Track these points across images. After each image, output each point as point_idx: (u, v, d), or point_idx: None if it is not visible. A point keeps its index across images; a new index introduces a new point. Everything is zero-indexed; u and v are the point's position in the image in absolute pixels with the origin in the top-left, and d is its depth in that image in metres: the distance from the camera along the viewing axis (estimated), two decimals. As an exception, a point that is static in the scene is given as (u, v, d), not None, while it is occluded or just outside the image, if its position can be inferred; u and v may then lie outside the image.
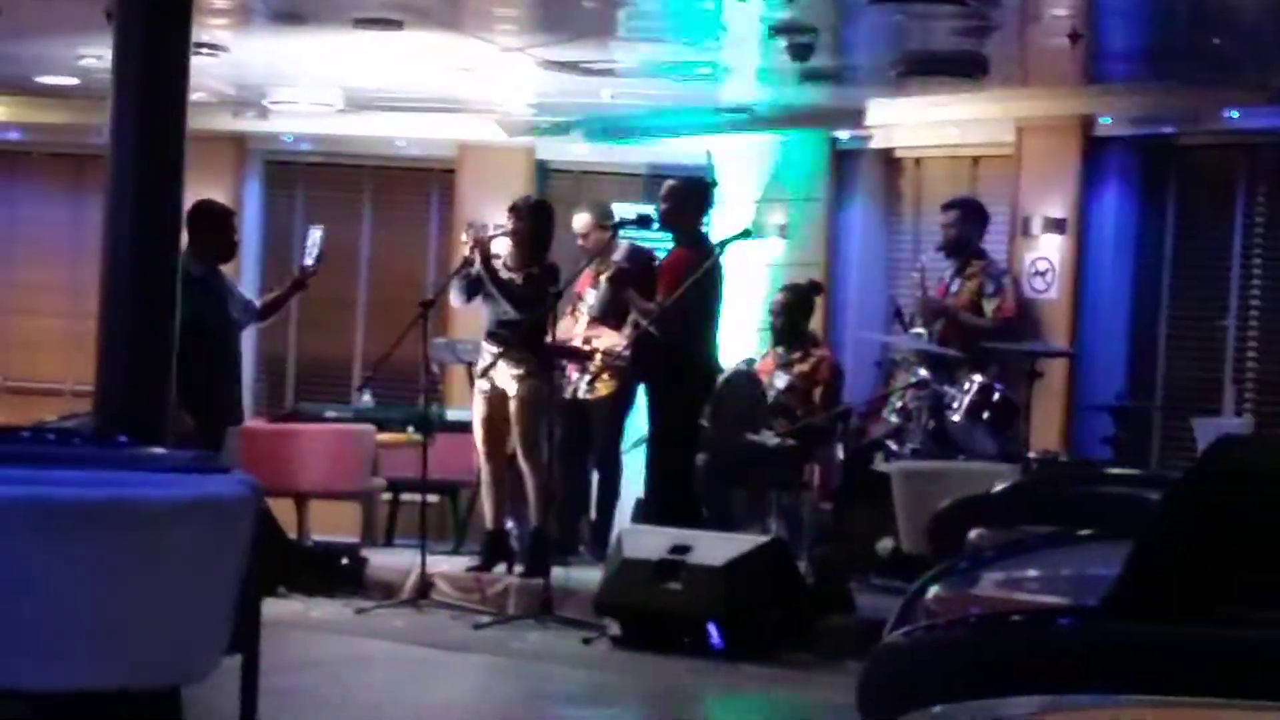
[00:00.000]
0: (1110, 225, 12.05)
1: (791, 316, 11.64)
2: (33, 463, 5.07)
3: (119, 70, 6.99)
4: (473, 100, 13.13)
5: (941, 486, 8.73)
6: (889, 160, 13.12)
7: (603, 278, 11.32)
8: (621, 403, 11.43)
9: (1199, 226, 11.93)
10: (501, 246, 10.70)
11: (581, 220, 11.77)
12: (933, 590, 5.11)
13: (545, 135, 13.95)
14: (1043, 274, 12.00)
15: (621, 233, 11.10)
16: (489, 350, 10.62)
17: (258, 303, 10.66)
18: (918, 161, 13.02)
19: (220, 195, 11.71)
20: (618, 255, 11.22)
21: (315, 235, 10.61)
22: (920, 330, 11.60)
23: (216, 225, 10.27)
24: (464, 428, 11.81)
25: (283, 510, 10.85)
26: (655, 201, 11.22)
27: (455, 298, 10.87)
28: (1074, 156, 11.96)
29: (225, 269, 10.50)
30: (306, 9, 10.34)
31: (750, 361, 11.72)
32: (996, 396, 10.94)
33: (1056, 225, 11.98)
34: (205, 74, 11.17)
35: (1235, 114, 11.37)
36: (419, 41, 10.68)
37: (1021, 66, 11.53)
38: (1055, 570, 5.43)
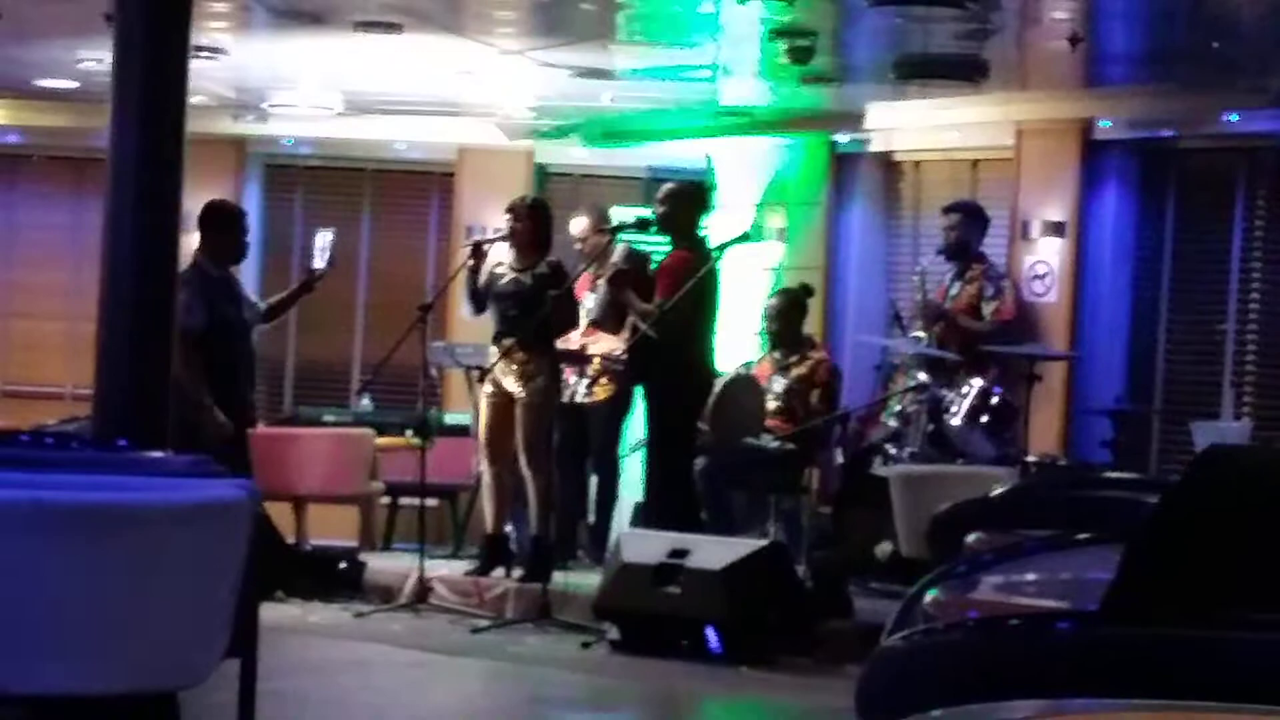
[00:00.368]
0: (1109, 228, 12.05)
1: (786, 320, 11.66)
2: (32, 467, 5.07)
3: (119, 73, 6.99)
4: (472, 103, 13.14)
5: (940, 490, 8.73)
6: (888, 163, 13.12)
7: (601, 280, 11.32)
8: (619, 406, 11.42)
9: (1198, 229, 11.92)
10: (501, 252, 10.70)
11: (579, 224, 11.77)
12: (931, 594, 5.11)
13: (545, 139, 13.96)
14: (1042, 277, 12.00)
15: (620, 236, 11.10)
16: (495, 353, 10.60)
17: (264, 305, 10.65)
18: (917, 165, 13.02)
19: (220, 198, 11.68)
20: (614, 257, 11.23)
21: (326, 238, 10.60)
22: (919, 334, 11.61)
23: (229, 225, 10.29)
24: (463, 431, 11.82)
25: (281, 514, 10.85)
26: (653, 204, 11.22)
27: (466, 311, 10.86)
28: (1073, 160, 11.97)
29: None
30: (306, 11, 10.34)
31: (749, 365, 11.73)
32: (995, 400, 10.94)
33: (1056, 228, 11.98)
34: (205, 77, 11.17)
35: (1235, 117, 11.37)
36: (418, 44, 10.68)
37: (1021, 70, 11.54)
38: (1054, 574, 5.43)
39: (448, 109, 13.40)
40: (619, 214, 11.67)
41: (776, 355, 11.64)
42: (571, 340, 11.31)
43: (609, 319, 11.46)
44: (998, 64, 10.81)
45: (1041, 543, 5.70)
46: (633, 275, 10.98)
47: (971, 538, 7.04)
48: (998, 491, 7.97)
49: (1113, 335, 12.03)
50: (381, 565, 11.22)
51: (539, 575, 10.18)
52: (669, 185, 11.17)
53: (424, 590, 10.48)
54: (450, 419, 12.66)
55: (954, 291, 11.71)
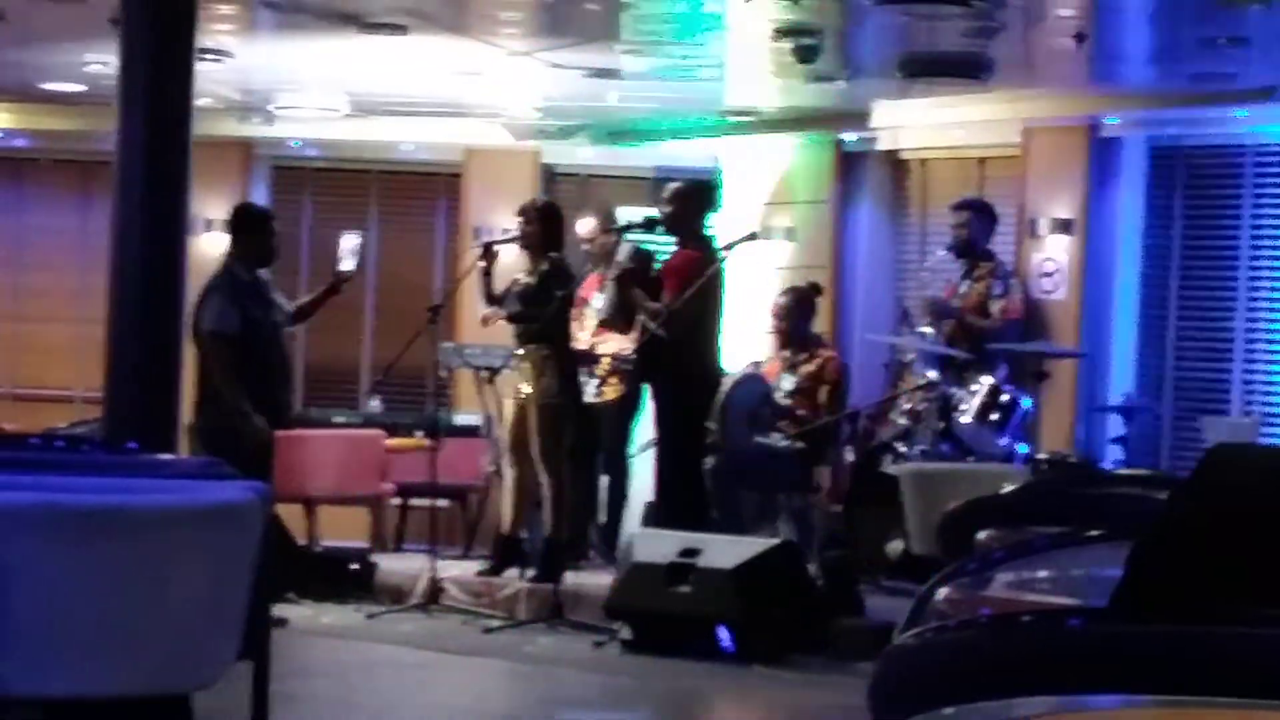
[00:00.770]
0: (1118, 226, 12.04)
1: (794, 319, 11.65)
2: (42, 470, 5.07)
3: (125, 76, 7.00)
4: (479, 104, 13.13)
5: (951, 488, 8.74)
6: (895, 162, 13.11)
7: (608, 280, 11.32)
8: (629, 406, 11.42)
9: (1206, 227, 11.92)
10: (509, 254, 10.70)
11: (586, 224, 11.77)
12: (943, 591, 5.11)
13: (551, 139, 13.96)
14: (1050, 275, 12.00)
15: (627, 236, 11.10)
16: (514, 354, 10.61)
17: (291, 306, 10.65)
18: (924, 163, 13.02)
19: (226, 201, 11.71)
20: (621, 256, 11.23)
21: (353, 241, 10.64)
22: (925, 329, 11.60)
23: (257, 228, 10.32)
24: (473, 432, 11.81)
25: (292, 516, 10.85)
26: (660, 204, 11.21)
27: (487, 310, 10.86)
28: (1081, 157, 11.97)
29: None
30: (312, 13, 10.34)
31: (758, 364, 11.73)
32: (1005, 398, 10.94)
33: (1064, 226, 11.98)
34: (211, 80, 11.16)
35: (1243, 114, 11.36)
36: (425, 46, 10.68)
37: (1028, 68, 11.52)
38: (1065, 571, 5.43)
39: (454, 110, 13.40)
40: (626, 214, 11.67)
41: (785, 354, 11.63)
42: (581, 340, 11.32)
43: (618, 319, 11.46)
44: (1004, 62, 10.80)
45: (1052, 540, 5.69)
46: (639, 274, 10.99)
47: (982, 535, 7.06)
48: (1008, 489, 7.97)
49: (1121, 332, 12.03)
50: (392, 566, 11.24)
51: (551, 575, 10.19)
52: (675, 185, 11.18)
53: (435, 591, 10.48)
54: (460, 419, 12.66)
55: (962, 289, 11.71)
